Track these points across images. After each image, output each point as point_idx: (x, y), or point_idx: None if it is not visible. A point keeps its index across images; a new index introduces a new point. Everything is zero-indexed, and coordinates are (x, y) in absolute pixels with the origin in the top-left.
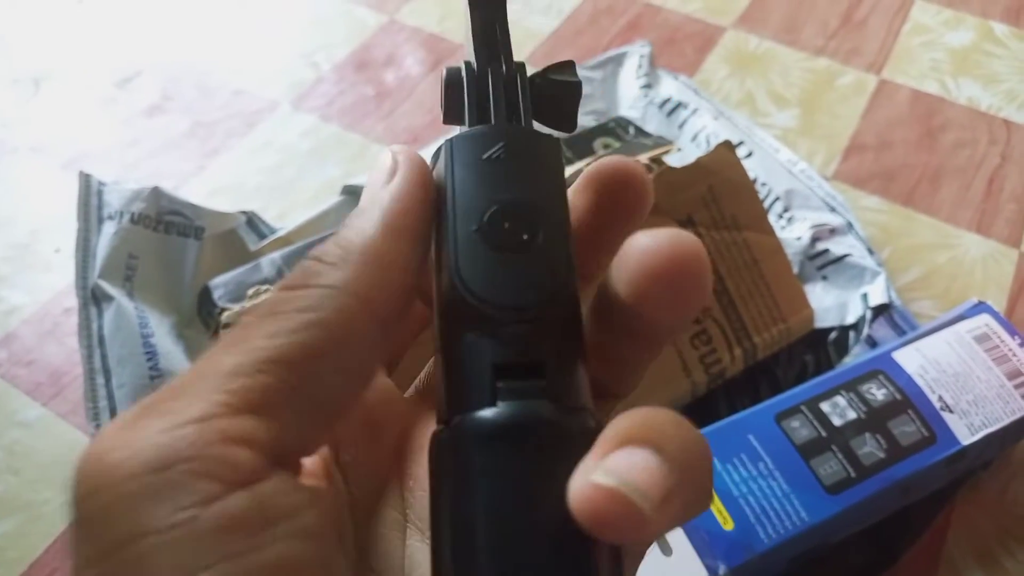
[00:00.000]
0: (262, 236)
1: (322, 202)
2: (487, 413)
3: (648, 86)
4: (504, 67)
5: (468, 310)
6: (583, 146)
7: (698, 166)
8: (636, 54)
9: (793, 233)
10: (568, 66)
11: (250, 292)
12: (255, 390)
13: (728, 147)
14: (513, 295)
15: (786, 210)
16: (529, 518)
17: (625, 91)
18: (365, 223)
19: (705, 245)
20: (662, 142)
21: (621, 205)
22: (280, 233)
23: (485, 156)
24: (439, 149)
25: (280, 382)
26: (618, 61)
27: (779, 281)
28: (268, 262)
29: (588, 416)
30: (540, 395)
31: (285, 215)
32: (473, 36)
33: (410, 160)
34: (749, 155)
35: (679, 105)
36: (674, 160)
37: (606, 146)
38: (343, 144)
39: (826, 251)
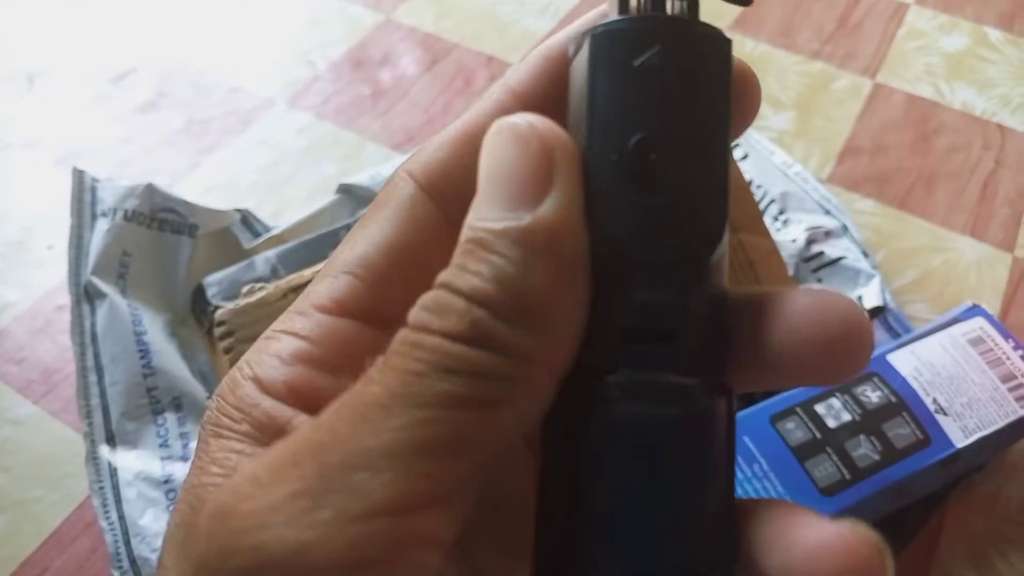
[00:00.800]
0: (256, 234)
1: (317, 200)
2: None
3: None
4: None
5: (599, 258)
6: None
7: None
8: None
9: (788, 236)
10: None
11: (244, 290)
12: (447, 477)
13: None
14: (655, 244)
15: (781, 212)
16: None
17: None
18: (536, 277)
19: None
20: None
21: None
22: (275, 231)
23: (637, 63)
24: (578, 41)
25: (473, 466)
26: None
27: (774, 283)
28: (262, 260)
29: (726, 394)
30: (675, 368)
31: (280, 213)
32: None
33: (569, 165)
34: (744, 157)
35: None
36: None
37: None
38: (338, 142)
39: (821, 254)
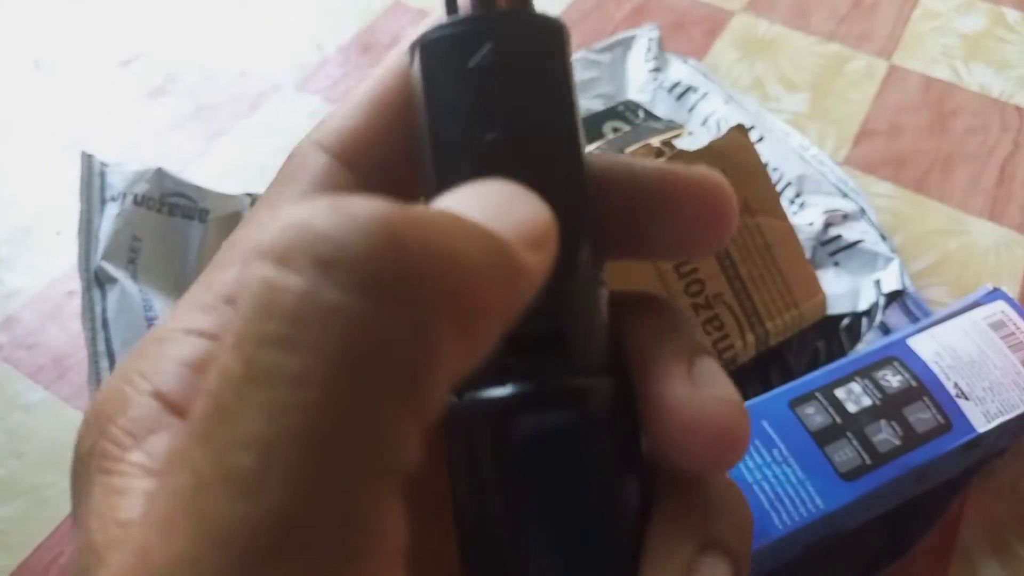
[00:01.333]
0: None
1: None
2: (499, 392)
3: (657, 70)
4: None
5: None
6: (592, 129)
7: (711, 149)
8: (645, 37)
9: (805, 219)
10: None
11: None
12: None
13: (741, 130)
14: None
15: (798, 195)
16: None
17: (634, 75)
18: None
19: None
20: (672, 126)
21: (695, 235)
22: None
23: (471, 64)
24: (411, 51)
25: None
26: (626, 44)
27: (792, 266)
28: None
29: (608, 383)
30: (560, 368)
31: None
32: None
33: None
34: (760, 140)
35: (689, 89)
36: (684, 144)
37: (615, 130)
38: None
39: (838, 237)
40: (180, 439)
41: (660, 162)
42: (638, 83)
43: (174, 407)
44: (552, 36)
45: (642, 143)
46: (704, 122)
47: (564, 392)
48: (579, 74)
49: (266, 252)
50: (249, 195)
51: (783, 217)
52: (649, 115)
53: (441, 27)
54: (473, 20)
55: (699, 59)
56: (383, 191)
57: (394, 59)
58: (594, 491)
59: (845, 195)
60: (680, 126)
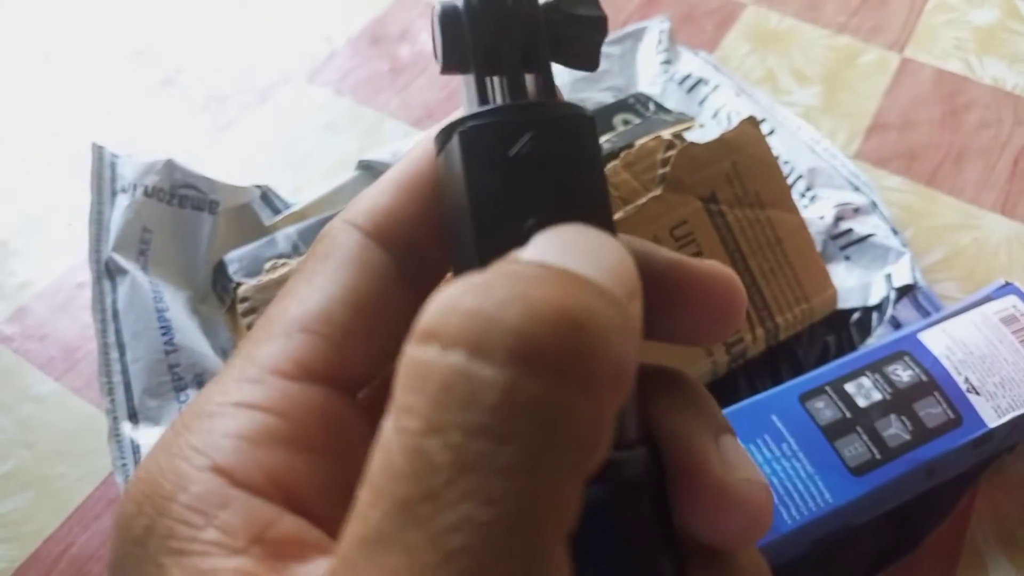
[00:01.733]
0: (276, 211)
1: (337, 177)
2: None
3: (668, 62)
4: None
5: None
6: (603, 122)
7: (722, 142)
8: (656, 29)
9: (816, 212)
10: None
11: (267, 266)
12: None
13: (752, 123)
14: None
15: (809, 189)
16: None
17: (644, 67)
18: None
19: (728, 223)
20: (683, 118)
21: (704, 327)
22: (295, 208)
23: (512, 152)
24: (443, 137)
25: None
26: (637, 36)
27: (802, 260)
28: (283, 236)
29: (643, 454)
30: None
31: (299, 190)
32: None
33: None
34: (771, 132)
35: (700, 81)
36: (695, 137)
37: (626, 122)
38: (357, 119)
39: (849, 231)
40: (377, 520)
41: (674, 254)
42: (649, 76)
43: (236, 480)
44: (585, 124)
45: (653, 135)
46: (715, 115)
47: (606, 465)
48: None
49: (451, 340)
50: (259, 187)
51: (794, 210)
52: (660, 107)
53: (479, 115)
54: (512, 110)
55: (710, 51)
56: (413, 268)
57: (422, 143)
58: (637, 563)
59: (856, 189)
60: (691, 119)
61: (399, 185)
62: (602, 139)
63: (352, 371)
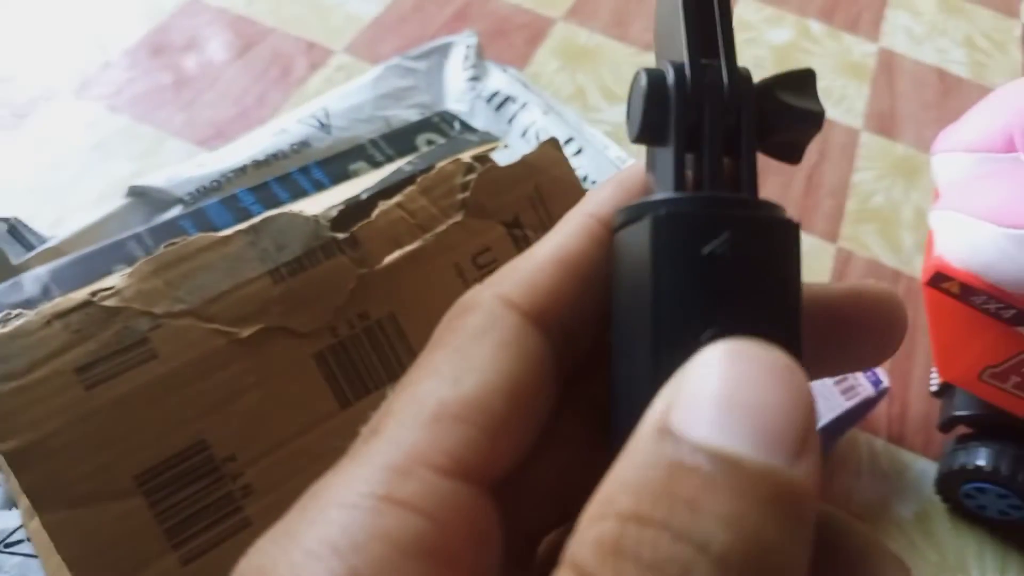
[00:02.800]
0: (29, 247)
1: (105, 205)
2: None
3: (476, 78)
4: (727, 74)
5: None
6: (405, 143)
7: (523, 164)
8: (462, 44)
9: None
10: (807, 82)
11: (0, 315)
12: None
13: (554, 144)
14: None
15: None
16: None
17: (452, 84)
18: (785, 539)
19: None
20: (489, 138)
21: (879, 350)
22: (51, 243)
23: (706, 251)
24: (627, 216)
25: None
26: (443, 52)
27: None
28: (32, 278)
29: None
30: None
31: (60, 222)
32: (685, 22)
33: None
34: (579, 152)
35: (508, 99)
36: (503, 157)
37: (429, 142)
38: (134, 138)
39: None
40: None
41: (847, 284)
42: (456, 92)
43: None
44: (789, 233)
45: (452, 158)
46: (524, 134)
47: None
48: (395, 82)
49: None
50: (4, 220)
51: None
52: (465, 127)
53: (674, 202)
54: (714, 203)
55: (521, 67)
56: (567, 356)
57: (580, 218)
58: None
59: None
60: (496, 139)
61: (563, 263)
62: (402, 161)
63: (499, 468)
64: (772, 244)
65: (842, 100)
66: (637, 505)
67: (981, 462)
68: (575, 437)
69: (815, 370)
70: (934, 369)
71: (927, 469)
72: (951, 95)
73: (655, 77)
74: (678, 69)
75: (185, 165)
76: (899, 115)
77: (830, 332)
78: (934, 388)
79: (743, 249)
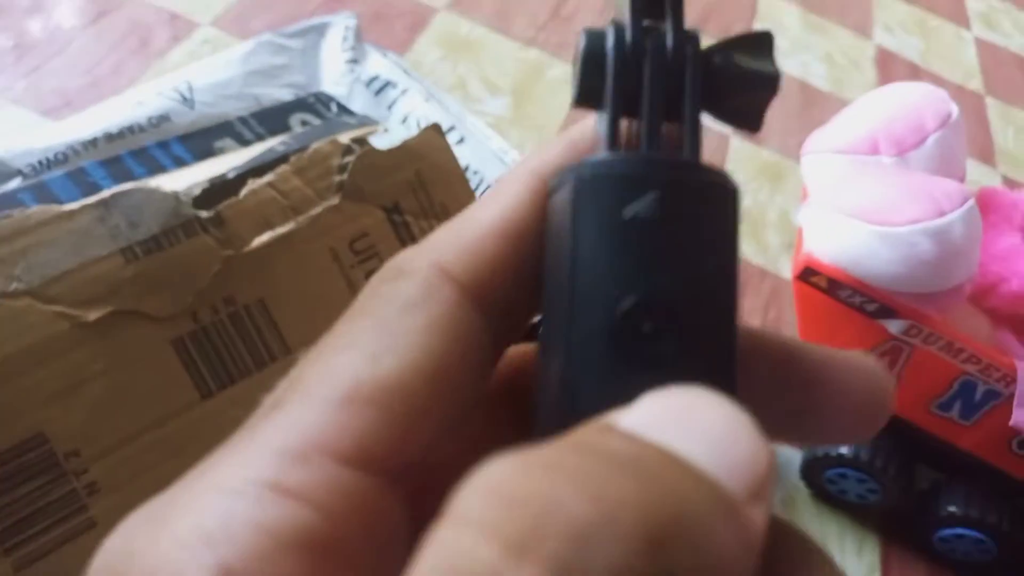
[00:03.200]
0: None
1: None
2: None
3: (355, 61)
4: (671, 35)
5: None
6: (278, 122)
7: (405, 149)
8: (341, 25)
9: None
10: (763, 45)
11: None
12: None
13: (436, 130)
14: None
15: None
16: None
17: (329, 65)
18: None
19: (413, 235)
20: (368, 122)
21: (852, 424)
22: None
23: (630, 214)
24: (558, 179)
25: None
26: (320, 31)
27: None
28: None
29: None
30: None
31: None
32: None
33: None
34: (461, 141)
35: (388, 84)
36: (382, 143)
37: (304, 123)
38: None
39: None
40: None
41: (826, 349)
42: (334, 74)
43: None
44: (727, 198)
45: (330, 138)
46: (404, 120)
47: None
48: (267, 59)
49: (490, 530)
50: None
51: None
52: (343, 109)
53: (602, 163)
54: (642, 162)
55: (401, 54)
56: (503, 331)
57: (527, 177)
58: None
59: None
60: (375, 123)
61: (506, 232)
62: (275, 140)
63: (411, 457)
64: (704, 208)
65: None
66: None
67: (843, 449)
68: (502, 418)
69: (793, 434)
70: None
71: (792, 457)
72: (813, 106)
73: (594, 37)
74: (618, 29)
75: (26, 135)
76: (766, 123)
77: (805, 395)
78: None
79: (672, 212)
